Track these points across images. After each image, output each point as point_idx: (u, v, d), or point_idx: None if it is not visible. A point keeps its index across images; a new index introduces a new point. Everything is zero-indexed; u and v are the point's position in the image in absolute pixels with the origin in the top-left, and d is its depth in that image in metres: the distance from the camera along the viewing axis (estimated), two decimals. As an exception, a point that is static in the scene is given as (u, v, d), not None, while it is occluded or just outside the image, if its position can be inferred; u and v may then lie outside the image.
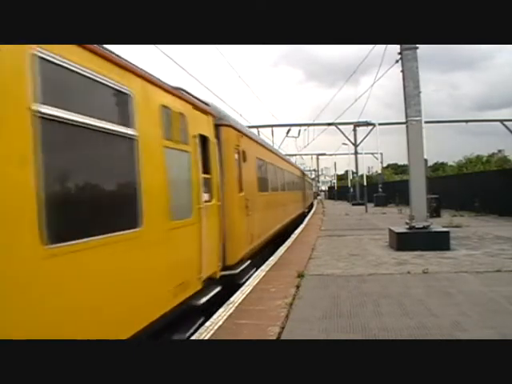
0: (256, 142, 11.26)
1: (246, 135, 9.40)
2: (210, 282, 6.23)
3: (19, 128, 2.78)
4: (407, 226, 11.00)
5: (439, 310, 5.50)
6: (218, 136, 7.25)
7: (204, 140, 6.38)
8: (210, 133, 6.71)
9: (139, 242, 4.13)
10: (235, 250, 7.54)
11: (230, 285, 7.11)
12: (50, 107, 3.00)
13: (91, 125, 3.45)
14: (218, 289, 6.35)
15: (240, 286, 7.38)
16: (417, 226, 10.77)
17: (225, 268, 7.09)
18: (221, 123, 7.47)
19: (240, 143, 8.41)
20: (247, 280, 7.84)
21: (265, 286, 7.35)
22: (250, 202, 8.78)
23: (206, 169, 6.39)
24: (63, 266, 3.04)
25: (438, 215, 19.68)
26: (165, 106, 4.97)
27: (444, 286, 6.82)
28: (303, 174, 32.62)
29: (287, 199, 18.03)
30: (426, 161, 13.64)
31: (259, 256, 10.34)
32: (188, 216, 5.51)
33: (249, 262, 8.42)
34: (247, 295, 6.73)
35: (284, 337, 4.77)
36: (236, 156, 8.11)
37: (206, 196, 6.23)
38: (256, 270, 8.72)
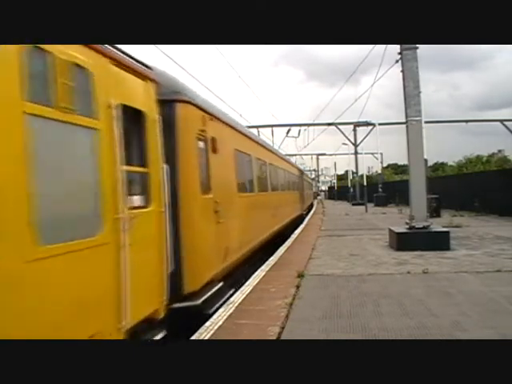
0: (235, 129, 8.85)
1: (218, 119, 7.25)
2: (148, 327, 4.44)
3: None
4: (407, 226, 11.00)
5: (439, 310, 5.51)
6: (170, 115, 5.41)
7: (137, 116, 4.55)
8: (148, 106, 4.74)
9: None
10: (197, 272, 5.65)
11: (194, 317, 5.44)
12: None
13: None
14: (158, 336, 4.49)
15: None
16: (417, 226, 10.77)
17: (182, 298, 5.29)
18: (176, 98, 5.56)
19: (207, 128, 6.41)
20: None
21: (265, 285, 7.35)
22: (223, 206, 6.78)
23: (140, 159, 4.58)
24: None
25: (438, 215, 19.69)
26: (37, 48, 2.98)
27: (444, 286, 6.82)
28: (301, 172, 31.56)
29: (281, 201, 16.04)
30: (426, 161, 13.65)
31: (246, 266, 8.95)
32: (91, 233, 3.52)
33: (221, 284, 6.51)
34: (247, 295, 6.73)
35: (284, 337, 4.77)
36: (200, 144, 6.19)
37: (136, 199, 4.43)
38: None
